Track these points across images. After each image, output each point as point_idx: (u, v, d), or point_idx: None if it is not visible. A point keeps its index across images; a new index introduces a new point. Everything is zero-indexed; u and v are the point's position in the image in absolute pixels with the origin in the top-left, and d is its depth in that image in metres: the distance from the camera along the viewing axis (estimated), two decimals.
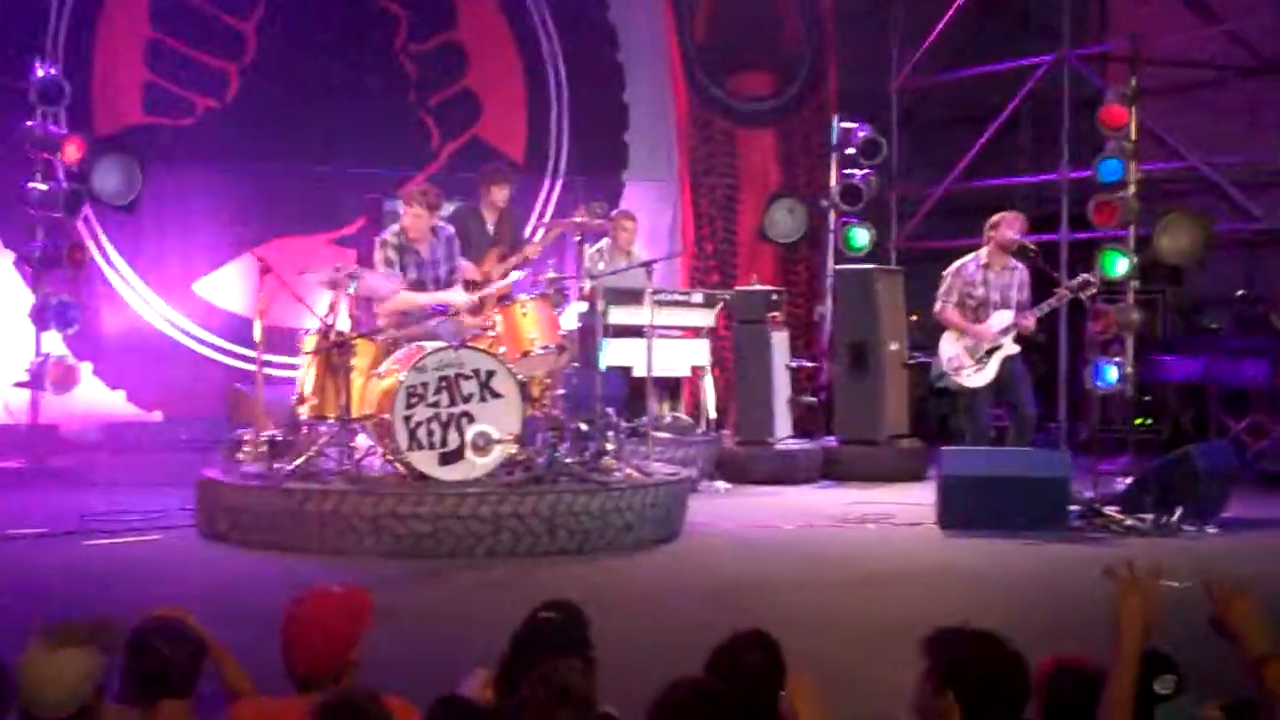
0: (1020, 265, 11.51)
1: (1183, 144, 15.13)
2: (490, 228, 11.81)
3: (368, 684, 3.99)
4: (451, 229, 10.91)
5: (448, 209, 11.34)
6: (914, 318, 14.32)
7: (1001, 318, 11.32)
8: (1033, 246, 11.59)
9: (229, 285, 13.95)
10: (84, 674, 3.66)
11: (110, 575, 8.44)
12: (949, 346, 11.47)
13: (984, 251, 11.50)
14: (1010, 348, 11.35)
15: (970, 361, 11.35)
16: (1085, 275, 11.57)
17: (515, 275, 11.54)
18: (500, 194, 11.82)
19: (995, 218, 11.55)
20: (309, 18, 14.44)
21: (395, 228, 10.68)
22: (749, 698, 3.86)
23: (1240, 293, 15.92)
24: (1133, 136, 13.98)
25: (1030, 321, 11.32)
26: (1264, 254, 15.33)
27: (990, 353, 11.31)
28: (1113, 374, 13.56)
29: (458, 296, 10.59)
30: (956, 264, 11.62)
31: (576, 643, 4.23)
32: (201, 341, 13.98)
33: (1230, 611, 3.93)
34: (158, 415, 13.80)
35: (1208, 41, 15.82)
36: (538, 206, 15.18)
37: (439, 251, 10.62)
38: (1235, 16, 15.50)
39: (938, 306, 11.55)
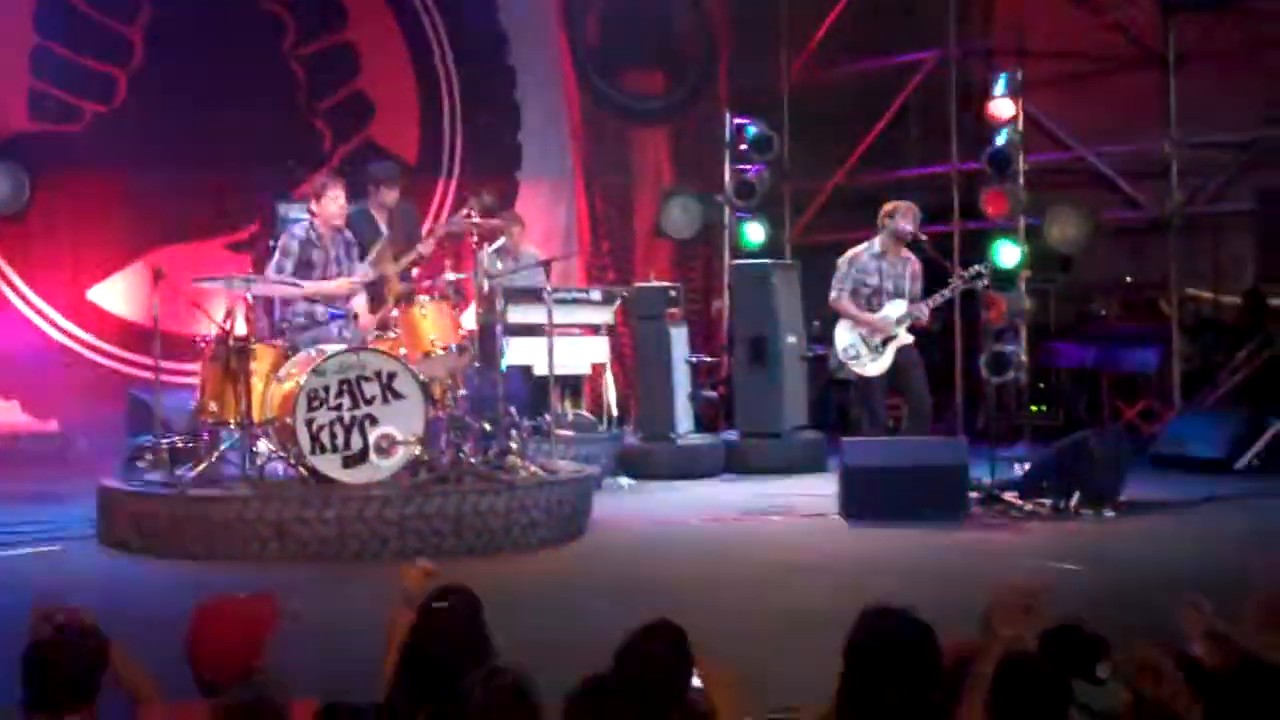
0: (912, 256, 11.66)
1: (1068, 135, 15.36)
2: (383, 228, 11.75)
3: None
4: (351, 234, 10.85)
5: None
6: (816, 322, 14.42)
7: (895, 306, 11.48)
8: (924, 238, 11.77)
9: (123, 292, 13.82)
10: None
11: (11, 586, 8.33)
12: (845, 335, 11.59)
13: (878, 240, 11.64)
14: (905, 337, 11.50)
15: (866, 350, 11.49)
16: (977, 266, 11.76)
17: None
18: (390, 195, 11.73)
19: (889, 206, 11.69)
20: (196, 21, 14.31)
21: (306, 223, 10.55)
22: (658, 688, 3.89)
23: (1128, 280, 16.21)
24: (1019, 128, 14.18)
25: (926, 313, 11.48)
26: (1150, 241, 15.59)
27: (885, 341, 11.45)
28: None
29: (339, 285, 10.44)
30: (851, 252, 11.74)
31: (473, 627, 4.25)
32: (96, 350, 13.85)
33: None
34: (54, 425, 13.65)
35: (1091, 33, 16.04)
36: (432, 208, 15.15)
37: (340, 250, 10.56)
38: (1117, 8, 15.74)
39: (833, 295, 11.66)
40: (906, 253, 11.62)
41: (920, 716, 3.75)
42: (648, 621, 4.08)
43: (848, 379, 12.03)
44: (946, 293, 11.64)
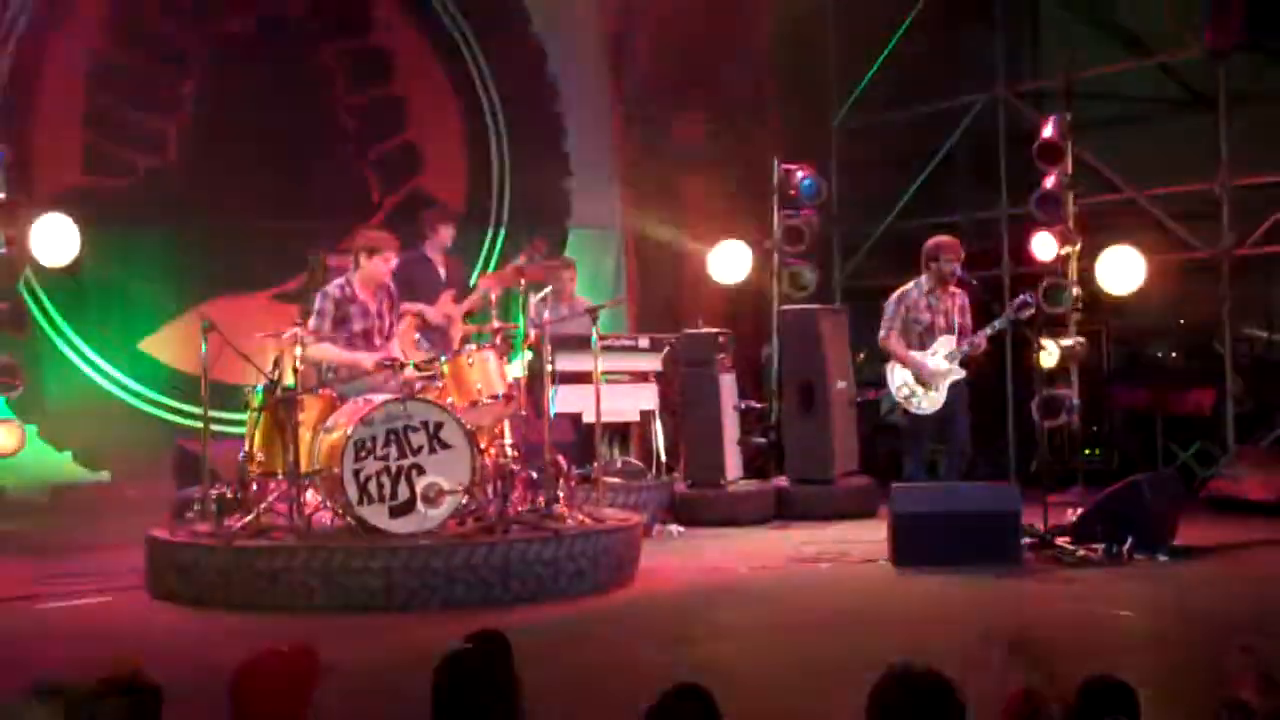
0: (960, 290, 11.66)
1: (1118, 177, 15.29)
2: (441, 271, 11.80)
3: None
4: (391, 284, 10.89)
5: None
6: (860, 355, 14.39)
7: (945, 343, 11.50)
8: (971, 279, 11.78)
9: (173, 343, 13.90)
10: None
11: (62, 638, 8.37)
12: (898, 375, 11.62)
13: (924, 278, 11.66)
14: (957, 372, 11.51)
15: (920, 389, 11.47)
16: (1024, 295, 11.71)
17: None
18: (447, 233, 11.83)
19: (931, 245, 11.71)
20: (245, 74, 14.45)
21: (338, 283, 10.59)
22: None
23: (1181, 321, 16.09)
24: (1069, 170, 14.13)
25: (982, 342, 11.49)
26: (1202, 283, 15.46)
27: (941, 378, 11.43)
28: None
29: (369, 362, 10.44)
30: (899, 291, 11.76)
31: (499, 671, 4.23)
32: (148, 400, 13.93)
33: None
34: (105, 475, 13.72)
35: (1139, 76, 15.99)
36: (481, 256, 15.20)
37: (383, 304, 10.60)
38: (1165, 50, 15.67)
39: (882, 334, 11.70)
40: (953, 287, 11.62)
41: None
42: (675, 685, 4.04)
43: (897, 423, 12.00)
44: (997, 324, 11.65)
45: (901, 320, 11.64)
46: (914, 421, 11.68)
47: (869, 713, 3.78)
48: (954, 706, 3.78)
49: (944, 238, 11.91)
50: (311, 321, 10.37)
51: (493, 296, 11.19)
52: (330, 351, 10.31)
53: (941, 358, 11.55)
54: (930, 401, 11.55)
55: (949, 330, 11.58)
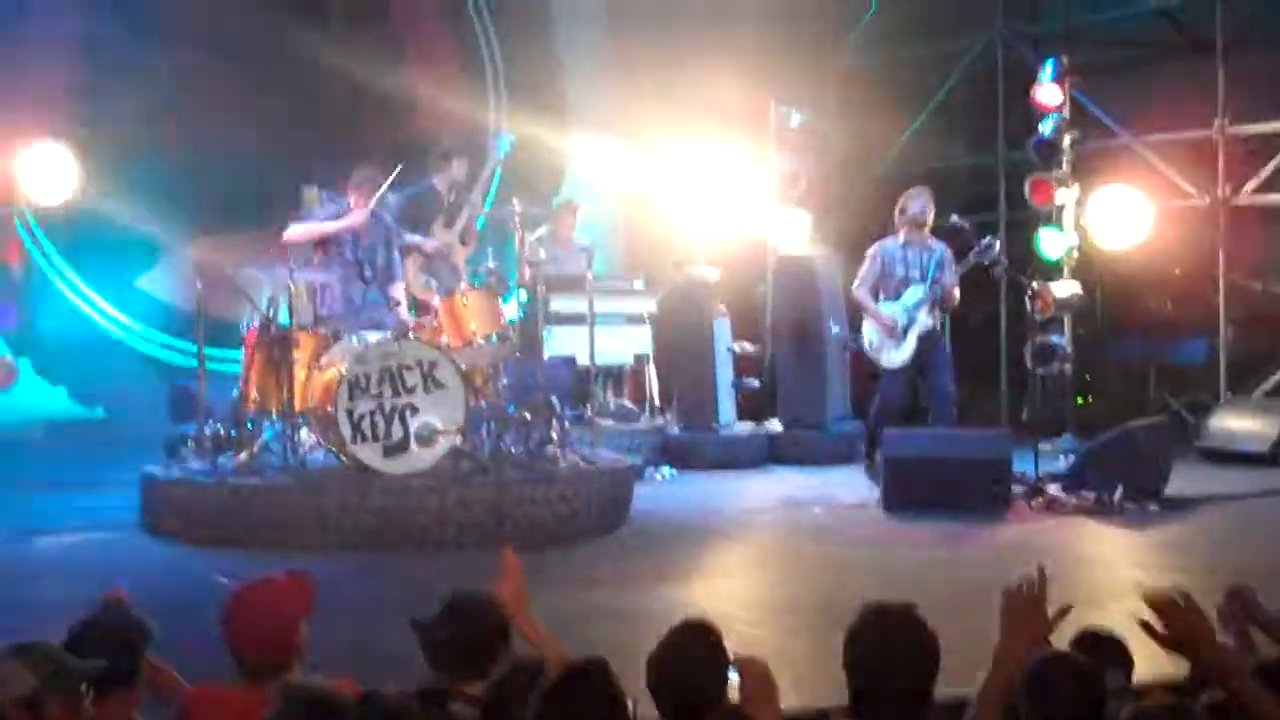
0: (941, 245, 11.73)
1: (1116, 122, 15.25)
2: (446, 206, 11.78)
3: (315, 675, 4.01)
4: (389, 218, 10.88)
5: (388, 199, 11.31)
6: None
7: (914, 292, 11.66)
8: (966, 224, 11.81)
9: (169, 280, 13.88)
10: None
11: (55, 573, 8.40)
12: (868, 328, 11.80)
13: (901, 232, 11.81)
14: (925, 321, 11.62)
15: (889, 341, 11.62)
16: (988, 238, 11.76)
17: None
18: (460, 168, 11.78)
19: (903, 196, 11.85)
20: (244, 10, 14.34)
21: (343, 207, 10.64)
22: (694, 687, 3.88)
23: (1176, 270, 16.07)
24: (1067, 115, 14.09)
25: (949, 286, 11.67)
26: (1199, 231, 15.45)
27: (905, 330, 11.55)
28: None
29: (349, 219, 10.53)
30: (877, 244, 11.87)
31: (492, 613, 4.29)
32: (142, 337, 13.93)
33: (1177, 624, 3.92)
34: (99, 412, 13.73)
35: (1137, 20, 15.92)
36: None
37: (378, 238, 10.60)
38: None
39: (855, 286, 11.80)
40: (934, 242, 11.78)
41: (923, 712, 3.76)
42: (684, 620, 4.07)
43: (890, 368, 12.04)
44: (959, 269, 11.73)
45: (876, 274, 11.77)
46: (885, 375, 11.83)
47: (845, 652, 3.82)
48: (927, 644, 3.81)
49: (913, 188, 11.96)
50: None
51: (492, 264, 11.18)
52: (310, 226, 10.37)
53: (905, 307, 11.66)
54: (899, 355, 11.67)
55: (920, 281, 11.69)
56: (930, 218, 11.82)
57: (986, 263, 11.69)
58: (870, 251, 11.87)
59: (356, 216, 10.45)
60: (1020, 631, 3.85)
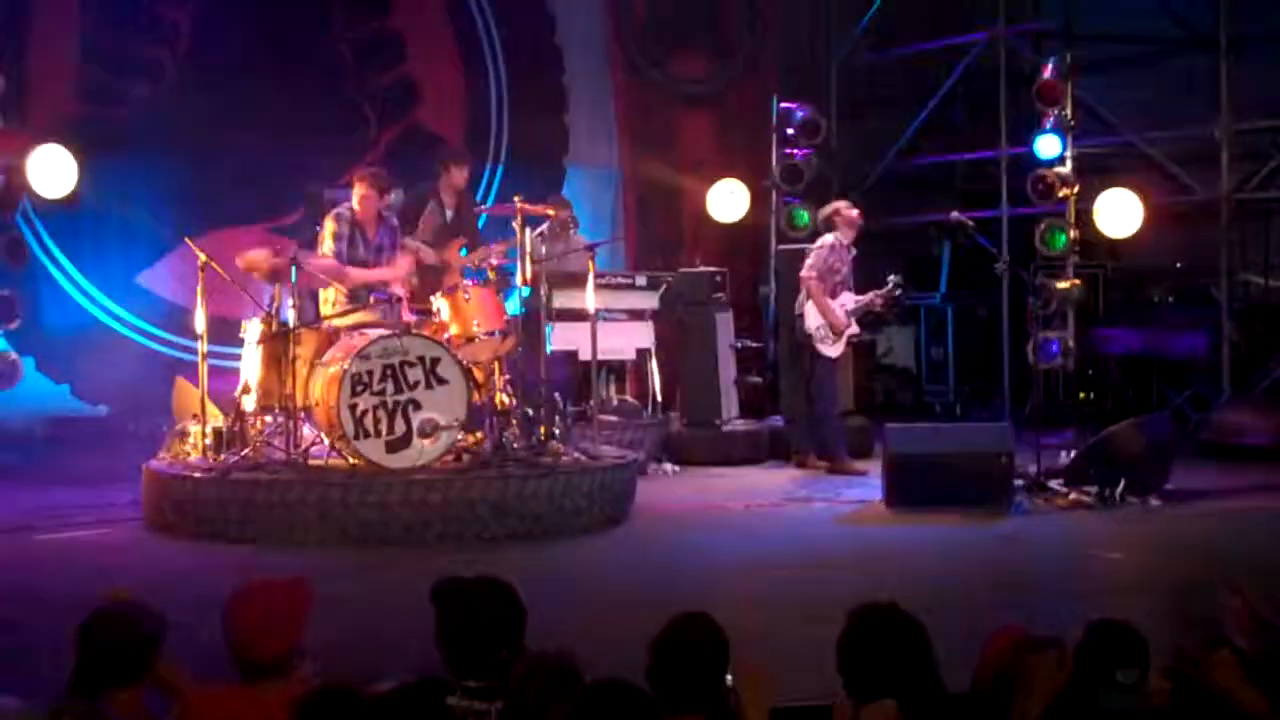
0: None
1: (1117, 119, 15.25)
2: (449, 214, 11.71)
3: (318, 671, 4.02)
4: (396, 220, 10.88)
5: (397, 197, 11.31)
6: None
7: (848, 299, 12.16)
8: (969, 222, 11.85)
9: (171, 276, 13.88)
10: None
11: (58, 569, 8.41)
12: (814, 317, 12.07)
13: (842, 234, 12.14)
14: (854, 328, 12.27)
15: (831, 334, 12.05)
16: (894, 278, 12.25)
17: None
18: (460, 174, 11.71)
19: (848, 213, 12.27)
20: (243, 6, 14.35)
21: (347, 205, 10.62)
22: (693, 681, 3.89)
23: (1178, 265, 16.09)
24: (1069, 112, 14.09)
25: (877, 304, 12.34)
26: (1201, 227, 15.46)
27: (845, 330, 12.15)
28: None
29: (398, 269, 10.53)
30: (831, 240, 12.12)
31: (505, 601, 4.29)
32: (145, 333, 13.93)
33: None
34: (103, 409, 13.74)
35: (1139, 17, 15.92)
36: (480, 192, 15.15)
37: (384, 238, 10.59)
38: None
39: (811, 274, 12.09)
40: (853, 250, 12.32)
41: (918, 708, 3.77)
42: (685, 613, 4.08)
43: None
44: (863, 301, 12.20)
45: (824, 269, 12.04)
46: (829, 361, 12.18)
47: (838, 658, 3.82)
48: (920, 644, 3.81)
49: (849, 207, 12.46)
50: (328, 244, 10.37)
51: (494, 261, 11.15)
52: (358, 274, 10.35)
53: (847, 313, 12.13)
54: (838, 349, 12.16)
55: (849, 286, 12.15)
56: None
57: (891, 301, 12.41)
58: (825, 245, 12.11)
59: (400, 270, 10.45)
60: (1039, 693, 3.84)
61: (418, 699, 3.75)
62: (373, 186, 10.50)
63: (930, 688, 3.85)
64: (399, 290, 10.50)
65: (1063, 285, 13.89)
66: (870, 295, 12.17)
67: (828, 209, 12.49)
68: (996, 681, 3.94)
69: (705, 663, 3.95)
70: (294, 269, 9.84)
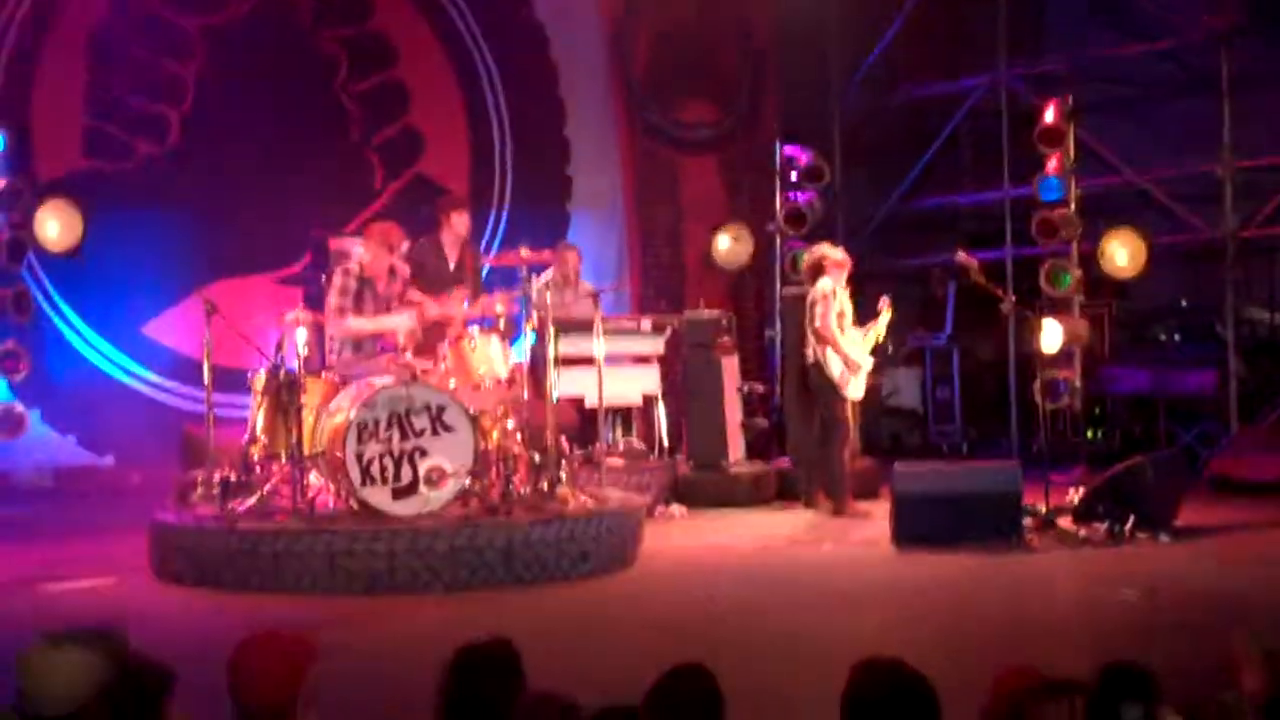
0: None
1: (1120, 159, 15.29)
2: (451, 263, 11.72)
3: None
4: (408, 270, 10.90)
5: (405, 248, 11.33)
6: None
7: (857, 336, 12.15)
8: (974, 263, 11.88)
9: (177, 327, 13.92)
10: (84, 674, 3.68)
11: (66, 621, 8.37)
12: (837, 363, 12.04)
13: (834, 277, 12.16)
14: (869, 362, 12.23)
15: (853, 377, 12.08)
16: (885, 298, 12.23)
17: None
18: (461, 221, 11.73)
19: (816, 255, 12.31)
20: (248, 60, 14.46)
21: (356, 260, 10.65)
22: None
23: (1184, 303, 16.10)
24: (1071, 153, 14.13)
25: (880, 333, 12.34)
26: (1205, 265, 15.48)
27: (861, 366, 12.14)
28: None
29: (402, 320, 10.54)
30: (826, 288, 12.10)
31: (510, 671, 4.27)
32: (151, 384, 13.96)
33: None
34: (109, 459, 13.75)
35: (1141, 58, 15.98)
36: (484, 240, 15.20)
37: (391, 287, 10.61)
38: (1166, 34, 15.65)
39: (822, 324, 12.07)
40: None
41: None
42: (679, 665, 4.05)
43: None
44: (870, 331, 12.20)
45: (830, 316, 12.06)
46: (845, 404, 12.17)
47: (843, 712, 3.79)
48: (927, 702, 3.78)
49: (825, 244, 12.53)
50: (333, 299, 10.39)
51: (500, 309, 11.19)
52: (365, 324, 10.36)
53: (859, 347, 12.14)
54: (859, 389, 12.18)
55: (854, 324, 12.16)
56: None
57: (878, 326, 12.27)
58: (829, 290, 12.09)
59: (400, 320, 10.49)
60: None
61: None
62: (382, 244, 10.53)
63: None
64: (403, 340, 10.51)
65: (1069, 325, 13.87)
66: (868, 328, 12.18)
67: (812, 257, 12.41)
68: None
69: (698, 716, 3.90)
70: (297, 321, 9.88)
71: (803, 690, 6.41)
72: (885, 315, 12.19)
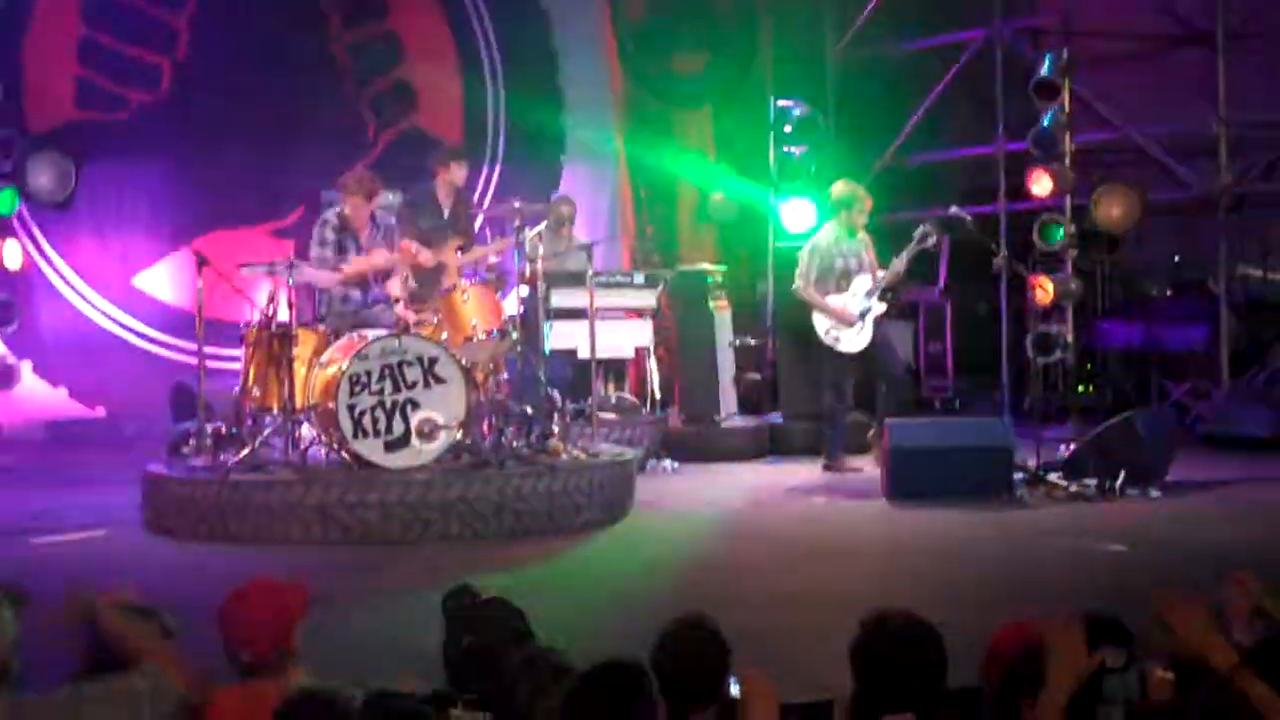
0: (862, 232, 12.10)
1: (1115, 114, 15.24)
2: (445, 213, 11.68)
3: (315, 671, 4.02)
4: (392, 219, 10.87)
5: (387, 198, 11.29)
6: None
7: (862, 282, 11.87)
8: (968, 217, 11.85)
9: (168, 279, 13.89)
10: None
11: (57, 571, 8.39)
12: (821, 320, 11.89)
13: (832, 225, 12.08)
14: (877, 308, 11.89)
15: (845, 326, 11.81)
16: (924, 225, 11.94)
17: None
18: (459, 172, 11.67)
19: (846, 193, 12.11)
20: (241, 10, 14.38)
21: (335, 210, 10.62)
22: (693, 681, 3.87)
23: (1176, 259, 16.08)
24: (1066, 107, 14.08)
25: (900, 269, 11.89)
26: (1199, 221, 15.45)
27: (863, 315, 11.82)
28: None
29: (375, 258, 10.52)
30: (810, 243, 12.08)
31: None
32: (143, 336, 13.94)
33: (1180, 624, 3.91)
34: (100, 411, 13.75)
35: (1137, 13, 15.91)
36: (476, 192, 15.15)
37: (376, 241, 10.58)
38: None
39: (799, 285, 11.97)
40: (860, 233, 12.10)
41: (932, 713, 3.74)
42: (685, 615, 4.05)
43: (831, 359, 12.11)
44: (905, 254, 11.86)
45: (816, 269, 11.91)
46: (839, 359, 11.95)
47: (852, 665, 3.79)
48: (933, 646, 3.79)
49: (856, 187, 12.24)
50: (314, 250, 10.38)
51: (493, 259, 11.12)
52: (325, 274, 10.34)
53: (861, 297, 11.85)
54: (860, 340, 11.87)
55: (861, 270, 11.92)
56: None
57: (929, 246, 11.94)
58: (805, 251, 12.03)
59: (377, 259, 10.45)
60: (1067, 676, 3.81)
61: (394, 710, 3.72)
62: (357, 193, 10.48)
63: (944, 697, 3.82)
64: (396, 291, 10.50)
65: (1061, 279, 13.85)
66: (894, 262, 11.88)
67: (847, 191, 12.19)
68: (1007, 679, 3.91)
69: (706, 666, 3.92)
70: (290, 270, 9.84)
71: (804, 640, 6.43)
72: (918, 242, 11.84)
